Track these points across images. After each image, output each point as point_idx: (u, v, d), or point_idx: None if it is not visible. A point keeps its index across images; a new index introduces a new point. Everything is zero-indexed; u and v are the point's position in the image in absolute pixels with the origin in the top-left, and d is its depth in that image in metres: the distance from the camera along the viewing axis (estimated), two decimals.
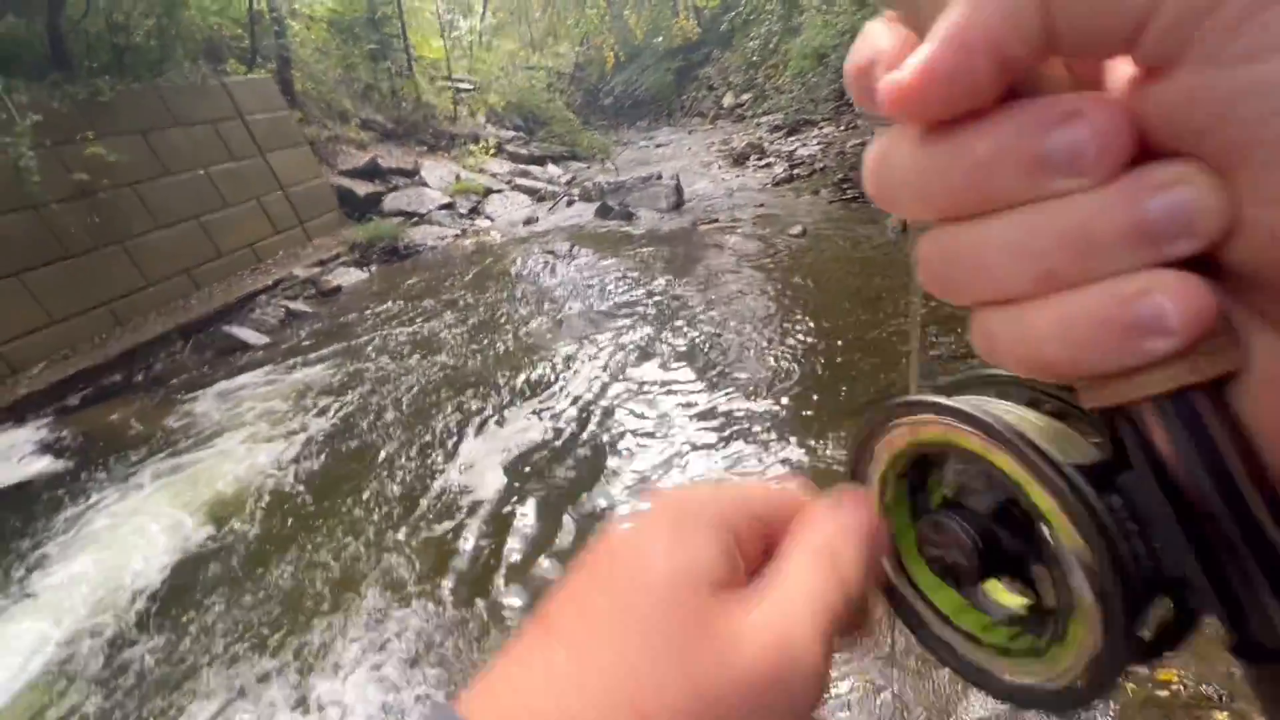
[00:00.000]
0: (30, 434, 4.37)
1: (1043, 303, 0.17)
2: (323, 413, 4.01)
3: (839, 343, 3.62)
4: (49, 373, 5.03)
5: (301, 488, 3.25)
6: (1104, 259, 0.16)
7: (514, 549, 2.53)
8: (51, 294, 5.30)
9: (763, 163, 9.45)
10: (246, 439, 3.85)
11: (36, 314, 5.19)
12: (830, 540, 0.25)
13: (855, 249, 5.07)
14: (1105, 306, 0.16)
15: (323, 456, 3.52)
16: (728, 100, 15.88)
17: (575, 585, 0.24)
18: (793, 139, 10.39)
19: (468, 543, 2.62)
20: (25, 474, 3.88)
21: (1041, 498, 0.21)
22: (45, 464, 3.98)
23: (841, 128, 9.76)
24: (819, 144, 9.38)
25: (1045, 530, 0.21)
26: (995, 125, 0.16)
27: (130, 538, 3.04)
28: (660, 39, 19.71)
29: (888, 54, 0.17)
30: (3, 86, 4.96)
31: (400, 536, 2.73)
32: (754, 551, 0.25)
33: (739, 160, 9.94)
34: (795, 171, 8.23)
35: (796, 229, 5.80)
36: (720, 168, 9.93)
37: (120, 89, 6.03)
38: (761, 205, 7.09)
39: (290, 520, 3.00)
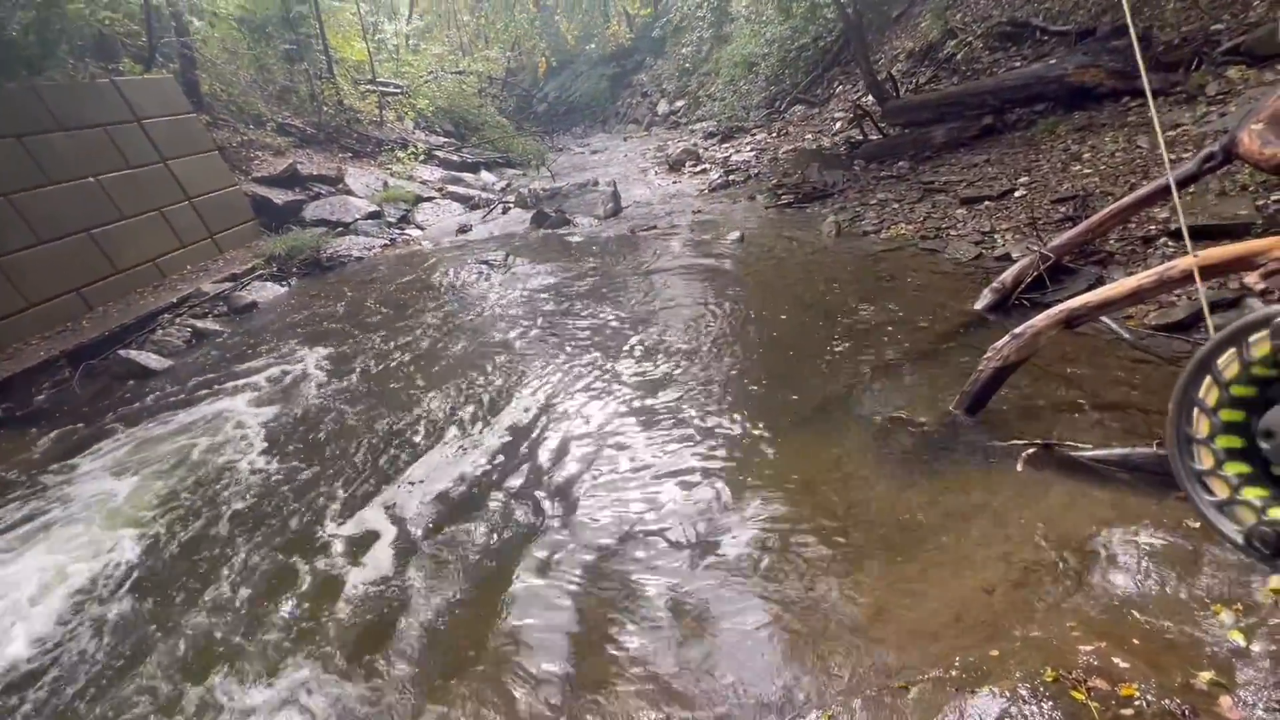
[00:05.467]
0: None
1: None
2: (228, 443, 3.66)
3: (790, 352, 3.59)
4: None
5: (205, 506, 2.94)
6: None
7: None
8: None
9: (698, 169, 9.47)
10: (136, 471, 3.47)
11: None
12: None
13: (792, 255, 5.09)
14: None
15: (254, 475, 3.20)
16: (662, 107, 15.94)
17: None
18: (726, 145, 10.48)
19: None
20: None
21: None
22: None
23: (773, 134, 9.91)
24: (752, 150, 9.49)
25: None
26: None
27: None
28: (593, 45, 19.63)
29: None
30: None
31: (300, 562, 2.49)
32: None
33: (675, 167, 9.94)
34: (731, 178, 8.28)
35: (735, 235, 5.79)
36: (657, 174, 9.90)
37: None
38: (699, 211, 7.07)
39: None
